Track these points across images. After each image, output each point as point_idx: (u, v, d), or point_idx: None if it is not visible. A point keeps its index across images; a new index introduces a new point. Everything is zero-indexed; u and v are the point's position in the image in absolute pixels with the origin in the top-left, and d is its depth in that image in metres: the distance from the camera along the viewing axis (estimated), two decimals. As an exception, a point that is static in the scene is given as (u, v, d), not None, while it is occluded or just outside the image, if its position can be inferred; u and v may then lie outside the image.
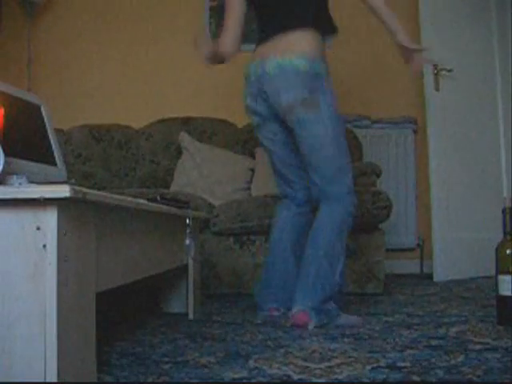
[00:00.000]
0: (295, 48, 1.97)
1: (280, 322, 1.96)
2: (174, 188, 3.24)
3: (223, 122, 3.61)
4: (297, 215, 2.17)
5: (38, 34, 4.04)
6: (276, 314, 2.03)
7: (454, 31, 3.47)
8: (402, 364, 1.35)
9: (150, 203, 1.57)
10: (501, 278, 1.81)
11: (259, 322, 1.99)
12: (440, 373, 1.26)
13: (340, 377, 1.25)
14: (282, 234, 2.15)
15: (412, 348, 1.52)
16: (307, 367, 1.34)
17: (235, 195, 3.11)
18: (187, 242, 1.99)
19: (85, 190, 1.04)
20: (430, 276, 3.29)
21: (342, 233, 2.02)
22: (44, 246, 0.99)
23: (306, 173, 2.10)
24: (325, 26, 2.06)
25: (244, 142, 3.49)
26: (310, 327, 1.84)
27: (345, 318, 1.95)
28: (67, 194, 0.96)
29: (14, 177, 1.08)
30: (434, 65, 3.33)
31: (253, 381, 1.25)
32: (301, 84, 1.96)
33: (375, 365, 1.35)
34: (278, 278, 2.11)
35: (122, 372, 1.33)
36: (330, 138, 2.00)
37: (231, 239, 2.77)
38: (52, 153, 1.55)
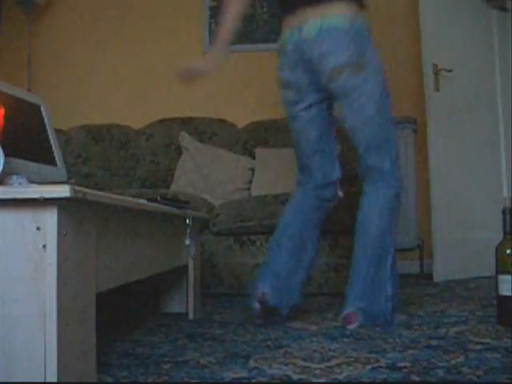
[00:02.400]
0: (334, 11, 1.87)
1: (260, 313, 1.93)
2: (173, 188, 3.24)
3: (223, 121, 3.62)
4: (312, 198, 2.06)
5: (38, 34, 4.04)
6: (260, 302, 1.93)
7: (454, 31, 3.47)
8: (402, 364, 1.35)
9: (150, 203, 1.57)
10: (501, 277, 1.81)
11: (258, 322, 1.98)
12: (440, 373, 1.26)
13: (340, 377, 1.25)
14: (292, 217, 2.06)
15: (412, 348, 1.52)
16: (307, 367, 1.34)
17: (235, 195, 3.12)
18: (187, 242, 1.99)
19: (85, 190, 1.04)
20: (430, 276, 3.29)
21: (391, 220, 1.90)
22: (44, 246, 0.99)
23: (329, 160, 2.03)
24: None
25: (244, 142, 3.49)
26: (351, 327, 1.78)
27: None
28: (67, 194, 0.96)
29: (14, 177, 1.08)
30: (434, 64, 3.33)
31: (253, 381, 1.24)
32: (347, 43, 1.85)
33: (375, 365, 1.34)
34: (274, 263, 2.02)
35: (121, 372, 1.33)
36: (376, 103, 1.89)
37: (231, 239, 2.77)
38: (52, 153, 1.55)
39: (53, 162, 1.54)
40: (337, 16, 1.86)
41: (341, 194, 2.08)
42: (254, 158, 3.32)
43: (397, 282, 1.94)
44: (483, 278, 3.17)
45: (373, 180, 1.94)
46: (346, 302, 1.88)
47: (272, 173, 3.18)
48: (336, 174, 2.06)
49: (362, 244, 1.91)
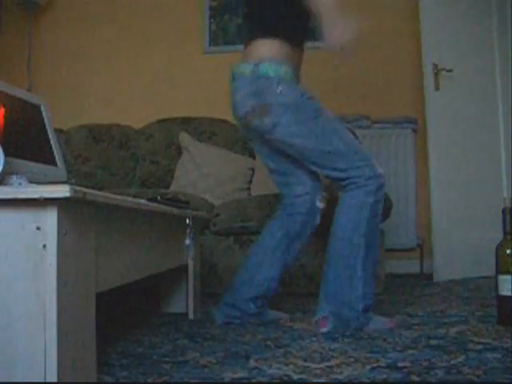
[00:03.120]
0: (253, 55, 1.91)
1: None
2: (173, 188, 3.24)
3: (223, 122, 3.61)
4: (288, 216, 2.04)
5: (38, 33, 4.04)
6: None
7: (454, 31, 3.47)
8: (402, 364, 1.35)
9: (150, 203, 1.57)
10: (501, 277, 1.81)
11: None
12: (440, 373, 1.26)
13: (340, 377, 1.25)
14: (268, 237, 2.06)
15: (412, 348, 1.52)
16: (307, 367, 1.34)
17: (235, 195, 3.12)
18: (187, 241, 1.99)
19: (85, 190, 1.04)
20: (430, 276, 3.29)
21: (360, 217, 1.81)
22: (44, 246, 0.99)
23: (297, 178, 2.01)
24: (294, 35, 1.91)
25: (244, 142, 3.49)
26: (322, 331, 1.75)
27: (374, 324, 1.82)
28: (67, 194, 0.96)
29: (14, 177, 1.08)
30: (434, 64, 3.33)
31: (253, 381, 1.25)
32: (248, 91, 1.89)
33: (375, 365, 1.34)
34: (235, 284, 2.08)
35: (121, 372, 1.33)
36: (305, 136, 1.85)
37: (231, 239, 2.77)
38: (52, 153, 1.55)
39: (53, 162, 1.54)
40: (245, 62, 1.92)
41: (321, 205, 2.03)
42: (254, 158, 3.32)
43: (373, 282, 1.89)
44: (483, 277, 3.17)
45: (341, 188, 1.87)
46: (318, 306, 1.84)
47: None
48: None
49: (329, 247, 1.86)
